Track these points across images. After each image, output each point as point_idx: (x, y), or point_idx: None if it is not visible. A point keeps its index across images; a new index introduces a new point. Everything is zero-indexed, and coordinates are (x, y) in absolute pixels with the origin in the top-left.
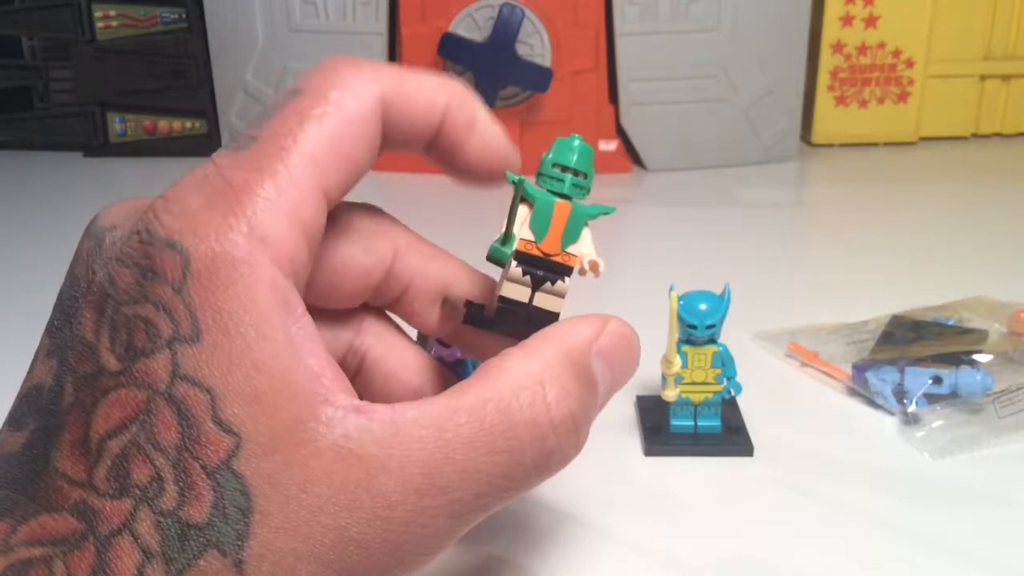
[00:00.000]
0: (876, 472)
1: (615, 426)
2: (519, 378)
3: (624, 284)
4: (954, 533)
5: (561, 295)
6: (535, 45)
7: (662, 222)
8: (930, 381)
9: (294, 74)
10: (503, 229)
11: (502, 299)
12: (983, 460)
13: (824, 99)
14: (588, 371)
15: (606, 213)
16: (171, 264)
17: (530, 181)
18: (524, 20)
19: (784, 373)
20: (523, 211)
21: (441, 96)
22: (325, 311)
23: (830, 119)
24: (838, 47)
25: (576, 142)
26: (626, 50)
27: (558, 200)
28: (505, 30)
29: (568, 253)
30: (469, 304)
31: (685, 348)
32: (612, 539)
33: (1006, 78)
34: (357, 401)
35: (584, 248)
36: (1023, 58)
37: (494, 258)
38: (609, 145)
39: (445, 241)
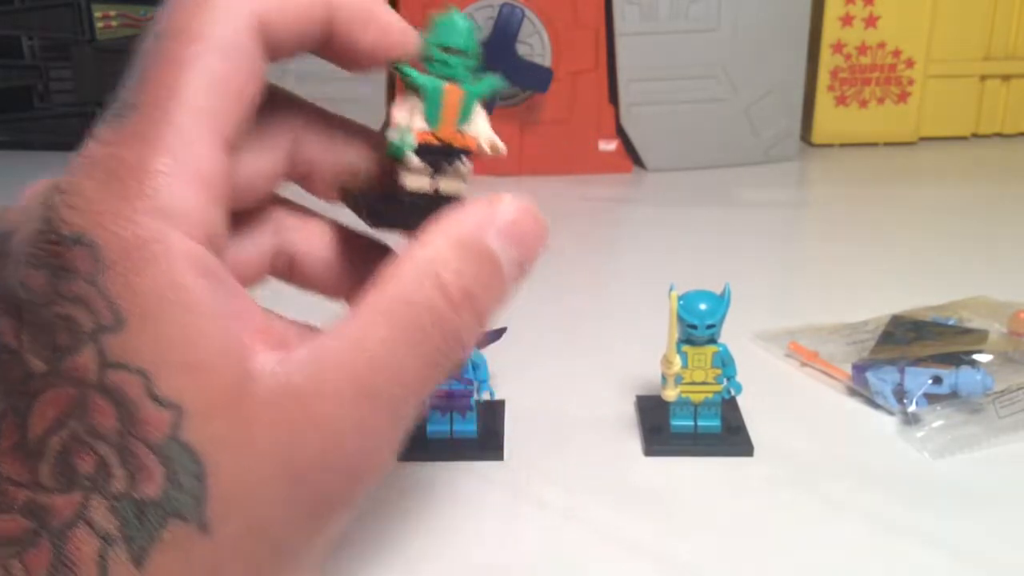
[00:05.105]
0: (876, 472)
1: (615, 426)
2: (416, 271)
3: (624, 284)
4: (954, 533)
5: (463, 177)
6: (535, 45)
7: (662, 222)
8: (930, 381)
9: (294, 75)
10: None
11: (405, 191)
12: (983, 460)
13: (824, 99)
14: (484, 250)
15: (496, 88)
16: (82, 259)
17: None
18: (524, 20)
19: (784, 373)
20: (412, 100)
21: None
22: (240, 224)
23: (830, 119)
24: (838, 47)
25: (459, 21)
26: (626, 50)
27: (447, 85)
28: (505, 30)
29: (465, 135)
30: (370, 205)
31: (685, 348)
32: (612, 539)
33: (1006, 78)
34: (282, 353)
35: (480, 127)
36: (1023, 58)
37: (394, 156)
38: (609, 145)
39: None
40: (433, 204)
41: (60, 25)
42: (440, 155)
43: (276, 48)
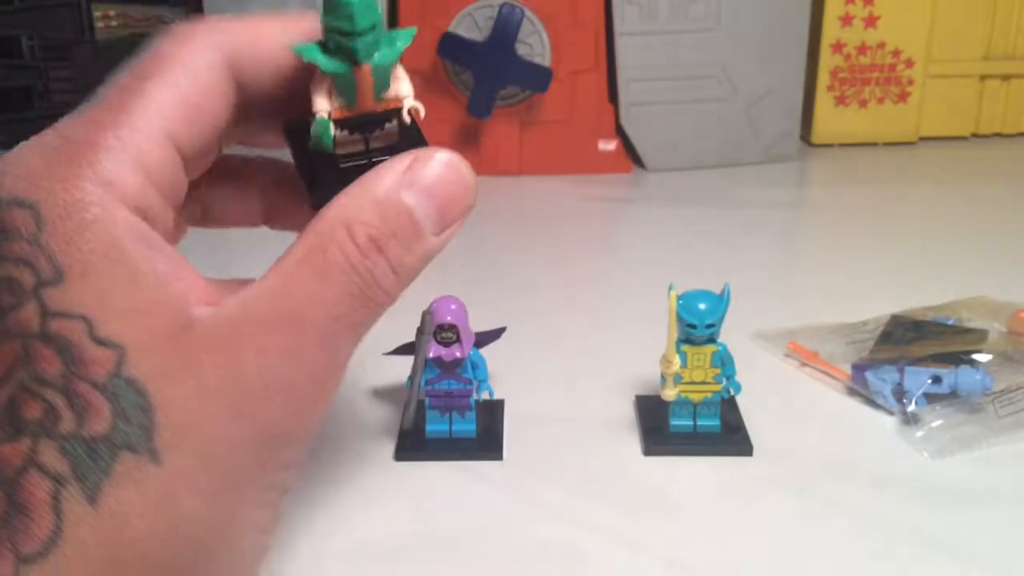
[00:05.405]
0: (876, 472)
1: (615, 426)
2: (331, 222)
3: (624, 284)
4: (953, 533)
5: (392, 133)
6: (535, 45)
7: (662, 222)
8: (930, 381)
9: None
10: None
11: (342, 157)
12: (983, 460)
13: (824, 99)
14: (397, 205)
15: (407, 42)
16: (22, 220)
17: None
18: (524, 20)
19: (784, 373)
20: (326, 82)
21: (285, 35)
22: None
23: (830, 119)
24: (838, 47)
25: (352, 2)
26: (626, 50)
27: (355, 68)
28: (505, 30)
29: (387, 100)
30: (314, 199)
31: (684, 348)
32: (611, 538)
33: (1006, 78)
34: (215, 306)
35: (400, 89)
36: (1023, 58)
37: (318, 148)
38: (609, 145)
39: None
40: (368, 164)
41: (60, 25)
42: (364, 123)
43: (249, 81)
